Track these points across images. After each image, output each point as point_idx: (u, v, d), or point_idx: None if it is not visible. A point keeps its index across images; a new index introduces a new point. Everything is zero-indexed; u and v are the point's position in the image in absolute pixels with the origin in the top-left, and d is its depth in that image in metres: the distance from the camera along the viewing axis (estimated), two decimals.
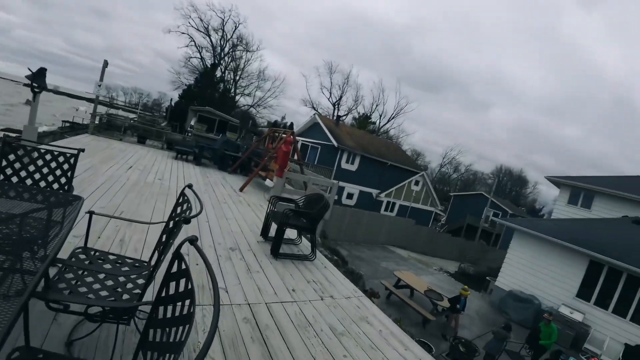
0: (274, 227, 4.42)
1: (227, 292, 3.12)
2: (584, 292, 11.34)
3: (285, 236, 4.83)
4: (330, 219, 15.48)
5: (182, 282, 1.17)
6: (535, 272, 12.49)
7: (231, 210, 5.94)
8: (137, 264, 2.32)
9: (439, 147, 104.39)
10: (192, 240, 1.23)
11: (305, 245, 5.00)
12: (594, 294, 11.12)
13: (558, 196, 17.71)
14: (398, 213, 26.56)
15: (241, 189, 7.94)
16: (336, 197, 22.11)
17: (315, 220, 4.31)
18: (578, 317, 10.86)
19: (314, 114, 28.08)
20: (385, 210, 26.06)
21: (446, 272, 17.04)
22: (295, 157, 9.08)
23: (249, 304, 3.02)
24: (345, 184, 23.31)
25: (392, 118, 48.71)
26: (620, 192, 15.01)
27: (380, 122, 48.60)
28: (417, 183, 27.78)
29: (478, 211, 33.57)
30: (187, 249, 3.64)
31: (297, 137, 24.32)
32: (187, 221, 1.60)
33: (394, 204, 26.58)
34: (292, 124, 38.60)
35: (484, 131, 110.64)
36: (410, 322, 9.07)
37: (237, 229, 4.97)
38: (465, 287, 10.62)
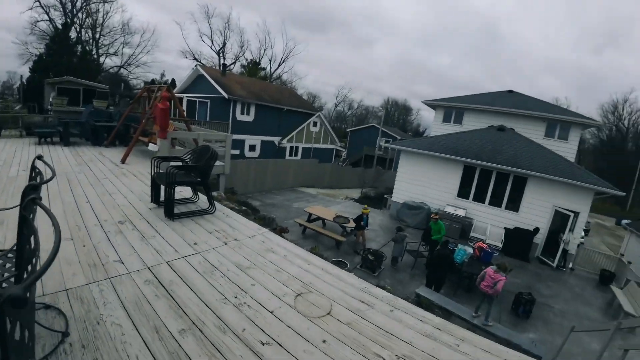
0: (164, 190, 4.25)
1: (122, 263, 3.02)
2: (463, 192, 13.83)
3: (179, 196, 4.72)
4: (236, 173, 15.25)
5: (32, 239, 1.16)
6: (421, 183, 14.71)
7: (114, 185, 5.43)
8: (9, 254, 2.16)
9: (331, 87, 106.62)
10: (34, 199, 1.19)
11: (203, 200, 4.96)
12: (471, 192, 13.65)
13: (434, 117, 20.13)
14: (302, 156, 27.45)
15: (122, 161, 7.18)
16: (238, 152, 21.69)
17: (205, 173, 4.26)
18: (461, 212, 13.38)
19: (196, 66, 25.55)
20: (290, 155, 26.63)
21: (352, 199, 18.84)
22: (178, 114, 8.43)
23: (148, 268, 2.99)
24: (245, 137, 22.76)
25: (283, 62, 47.71)
26: (485, 107, 17.90)
27: (271, 68, 47.21)
28: (315, 124, 28.67)
29: (372, 142, 36.90)
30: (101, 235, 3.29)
31: (182, 94, 22.21)
32: (35, 187, 1.48)
33: (297, 148, 27.25)
34: (173, 80, 34.89)
35: (370, 67, 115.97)
36: (325, 247, 10.07)
37: (124, 201, 4.63)
38: (365, 206, 12.05)
